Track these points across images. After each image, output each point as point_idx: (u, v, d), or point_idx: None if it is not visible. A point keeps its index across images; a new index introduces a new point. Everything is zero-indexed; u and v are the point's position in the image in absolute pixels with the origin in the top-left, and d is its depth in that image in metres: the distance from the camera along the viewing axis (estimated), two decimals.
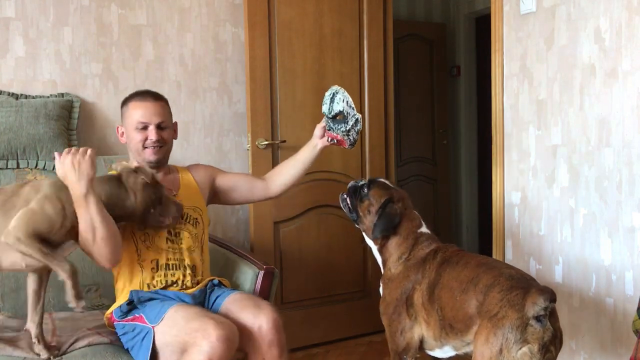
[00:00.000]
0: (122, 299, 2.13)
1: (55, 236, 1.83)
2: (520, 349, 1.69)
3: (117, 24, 3.01)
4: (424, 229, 2.23)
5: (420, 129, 5.29)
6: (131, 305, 2.07)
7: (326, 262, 3.43)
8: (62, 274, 1.79)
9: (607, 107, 2.52)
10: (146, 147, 2.22)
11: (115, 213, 1.93)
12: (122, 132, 2.29)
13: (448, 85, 5.46)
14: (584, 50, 2.60)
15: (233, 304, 2.05)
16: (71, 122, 2.78)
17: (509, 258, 3.03)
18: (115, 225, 1.93)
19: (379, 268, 2.32)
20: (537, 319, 1.70)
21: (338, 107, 2.24)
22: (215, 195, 2.44)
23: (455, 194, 5.57)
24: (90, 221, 1.84)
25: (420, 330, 2.05)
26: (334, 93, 2.24)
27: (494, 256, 3.12)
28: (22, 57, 2.82)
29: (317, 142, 2.36)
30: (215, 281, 2.23)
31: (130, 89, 3.03)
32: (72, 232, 1.87)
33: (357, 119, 2.27)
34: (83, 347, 2.01)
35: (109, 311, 2.16)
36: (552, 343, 1.73)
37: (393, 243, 2.20)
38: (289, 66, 3.29)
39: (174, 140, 2.37)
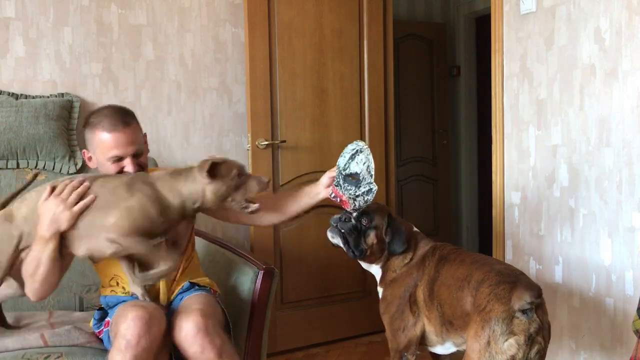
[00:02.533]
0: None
1: (157, 230, 1.86)
2: (506, 340, 1.73)
3: (117, 24, 3.01)
4: (415, 228, 2.26)
5: (420, 129, 5.29)
6: (103, 312, 2.04)
7: (326, 262, 3.43)
8: (161, 267, 1.84)
9: (607, 107, 2.52)
10: None
11: (188, 208, 1.91)
12: (90, 157, 2.04)
13: (448, 85, 5.45)
14: (584, 50, 2.60)
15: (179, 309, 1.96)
16: (71, 122, 2.78)
17: (509, 258, 3.03)
18: (61, 275, 1.91)
19: None
20: (523, 311, 1.74)
21: (356, 167, 2.03)
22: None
23: (455, 194, 5.56)
24: (38, 260, 1.82)
25: (422, 326, 2.07)
26: (357, 150, 2.03)
27: (493, 256, 3.12)
28: (22, 57, 2.82)
29: (320, 191, 2.13)
30: (187, 284, 2.11)
31: (130, 89, 3.04)
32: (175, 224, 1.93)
33: (371, 189, 2.02)
34: (83, 344, 2.01)
35: (90, 324, 2.12)
36: (539, 334, 1.77)
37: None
38: (289, 66, 3.29)
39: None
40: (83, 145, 2.86)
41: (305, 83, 3.34)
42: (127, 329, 1.71)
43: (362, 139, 3.52)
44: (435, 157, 5.39)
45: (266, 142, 3.20)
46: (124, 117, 1.99)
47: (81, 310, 2.47)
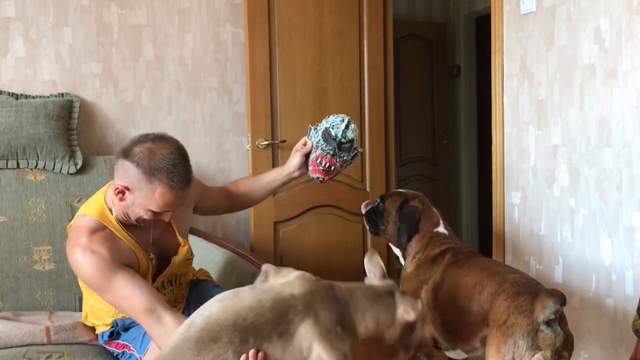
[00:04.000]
0: (103, 323, 2.00)
1: None
2: (533, 356, 1.65)
3: (117, 24, 3.01)
4: (440, 229, 2.20)
5: (420, 129, 5.29)
6: (114, 335, 1.98)
7: (326, 262, 3.43)
8: None
9: (607, 107, 2.52)
10: (140, 224, 1.85)
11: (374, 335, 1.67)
12: (124, 192, 1.77)
13: (448, 85, 5.46)
14: (584, 50, 2.60)
15: None
16: (71, 122, 2.78)
17: (509, 258, 3.03)
18: None
19: None
20: (548, 323, 1.66)
21: (352, 134, 2.09)
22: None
23: (455, 194, 5.56)
24: None
25: (430, 329, 2.03)
26: (348, 120, 2.09)
27: (493, 256, 3.12)
28: (22, 57, 2.82)
29: (294, 172, 2.11)
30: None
31: (130, 89, 3.03)
32: None
33: (357, 153, 2.14)
34: (85, 343, 2.02)
35: (97, 331, 2.06)
36: (565, 348, 1.69)
37: (412, 242, 2.19)
38: (289, 66, 3.29)
39: None
40: (83, 145, 2.89)
41: (305, 83, 3.34)
42: None
43: (362, 139, 3.52)
44: (435, 157, 5.39)
45: (266, 142, 3.20)
46: (189, 175, 1.79)
47: (81, 310, 2.47)
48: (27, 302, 2.38)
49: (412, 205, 2.21)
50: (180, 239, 1.98)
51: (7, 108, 2.58)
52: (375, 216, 2.30)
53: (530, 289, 1.75)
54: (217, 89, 3.27)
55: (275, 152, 3.26)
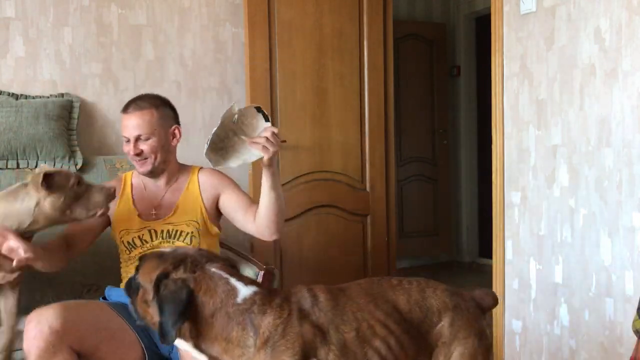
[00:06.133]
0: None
1: None
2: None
3: (117, 24, 3.01)
4: (248, 290, 1.45)
5: (420, 129, 5.29)
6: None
7: (326, 262, 3.43)
8: None
9: (607, 107, 2.52)
10: (134, 160, 2.11)
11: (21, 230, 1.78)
12: None
13: (448, 85, 5.46)
14: (584, 50, 2.60)
15: None
16: (71, 122, 2.78)
17: (509, 258, 3.03)
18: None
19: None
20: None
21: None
22: (220, 214, 2.26)
23: (455, 194, 5.56)
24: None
25: None
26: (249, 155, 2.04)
27: (494, 256, 3.12)
28: (22, 57, 2.82)
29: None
30: None
31: (130, 89, 3.03)
32: None
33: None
34: None
35: None
36: None
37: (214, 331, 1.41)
38: (289, 66, 3.29)
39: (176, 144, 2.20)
40: (83, 145, 2.89)
41: (305, 83, 3.34)
42: None
43: (362, 139, 3.52)
44: (435, 157, 5.39)
45: None
46: (138, 103, 2.11)
47: None
48: (27, 302, 2.37)
49: (175, 279, 1.41)
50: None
51: (7, 108, 2.59)
52: (132, 297, 1.50)
53: (462, 296, 1.73)
54: (217, 89, 3.27)
55: None
